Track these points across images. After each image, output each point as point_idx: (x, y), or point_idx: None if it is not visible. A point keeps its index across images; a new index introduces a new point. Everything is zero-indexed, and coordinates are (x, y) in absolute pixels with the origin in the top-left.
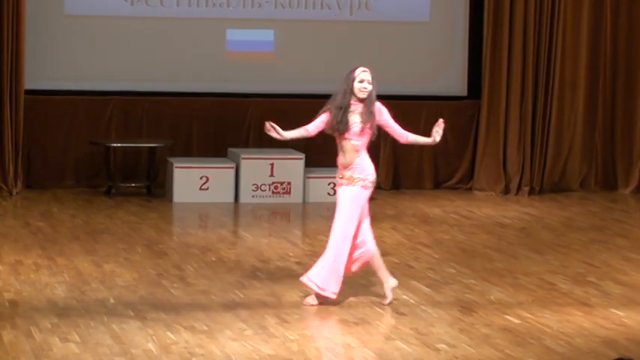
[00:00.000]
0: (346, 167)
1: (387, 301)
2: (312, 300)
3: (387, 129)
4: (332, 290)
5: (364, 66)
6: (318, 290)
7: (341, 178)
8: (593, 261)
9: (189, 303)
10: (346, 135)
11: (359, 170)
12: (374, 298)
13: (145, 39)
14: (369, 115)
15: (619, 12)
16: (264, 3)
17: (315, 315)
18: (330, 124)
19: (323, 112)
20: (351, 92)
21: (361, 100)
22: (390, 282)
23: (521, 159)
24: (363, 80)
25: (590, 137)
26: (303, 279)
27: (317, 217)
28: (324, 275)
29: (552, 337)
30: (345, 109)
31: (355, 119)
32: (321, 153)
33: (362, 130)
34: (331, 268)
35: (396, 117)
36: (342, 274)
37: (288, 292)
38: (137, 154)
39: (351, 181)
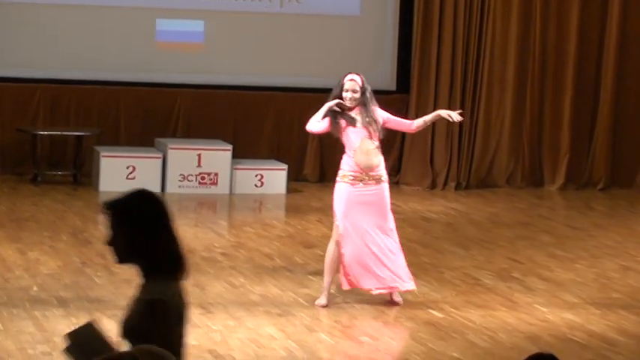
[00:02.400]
0: (376, 167)
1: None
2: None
3: (388, 125)
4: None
5: (354, 72)
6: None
7: (372, 178)
8: (518, 257)
9: (113, 292)
10: (372, 138)
11: (383, 168)
12: (298, 289)
13: (74, 27)
14: (369, 118)
15: (548, 11)
16: None
17: (239, 306)
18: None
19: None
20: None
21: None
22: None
23: (448, 154)
24: (348, 90)
25: (518, 133)
26: (406, 287)
27: (243, 209)
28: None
29: (475, 332)
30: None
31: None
32: (249, 144)
33: (370, 133)
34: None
35: None
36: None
37: (213, 282)
38: (64, 142)
39: (380, 181)
